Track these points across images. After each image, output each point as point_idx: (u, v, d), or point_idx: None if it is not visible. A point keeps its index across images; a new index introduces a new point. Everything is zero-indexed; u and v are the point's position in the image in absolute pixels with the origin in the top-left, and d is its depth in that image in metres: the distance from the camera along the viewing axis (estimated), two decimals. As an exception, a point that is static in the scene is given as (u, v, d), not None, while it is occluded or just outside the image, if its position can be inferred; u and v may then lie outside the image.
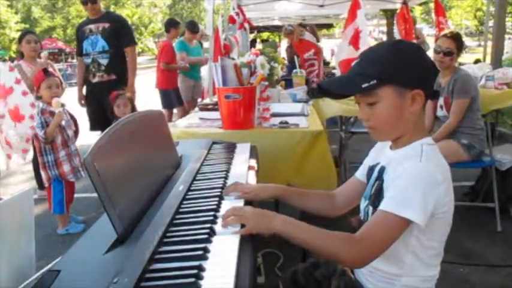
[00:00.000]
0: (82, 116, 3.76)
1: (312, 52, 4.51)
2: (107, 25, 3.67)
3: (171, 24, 5.60)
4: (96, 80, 3.70)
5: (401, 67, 1.09)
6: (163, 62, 5.27)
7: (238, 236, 1.02)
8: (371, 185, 1.21)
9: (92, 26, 3.68)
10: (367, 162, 1.32)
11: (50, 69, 3.47)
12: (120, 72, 3.73)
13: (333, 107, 3.33)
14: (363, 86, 1.09)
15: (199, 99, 5.71)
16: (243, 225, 1.06)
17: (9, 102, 2.91)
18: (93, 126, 3.77)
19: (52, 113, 2.93)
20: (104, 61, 3.67)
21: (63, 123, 2.98)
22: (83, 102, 3.95)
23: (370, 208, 1.18)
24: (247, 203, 1.28)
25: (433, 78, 1.17)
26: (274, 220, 1.07)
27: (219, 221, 1.09)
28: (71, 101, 3.76)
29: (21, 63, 3.61)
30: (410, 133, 1.13)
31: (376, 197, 1.15)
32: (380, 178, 1.16)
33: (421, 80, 1.10)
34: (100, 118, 3.45)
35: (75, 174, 3.05)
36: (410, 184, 1.02)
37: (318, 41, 5.52)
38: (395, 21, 4.94)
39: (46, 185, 3.06)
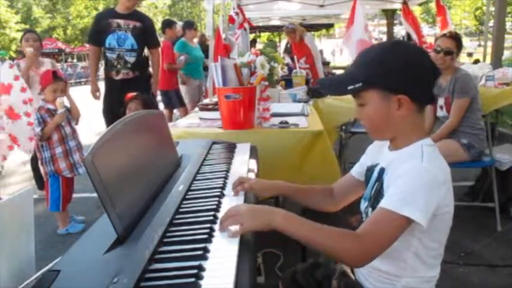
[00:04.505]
0: (84, 112, 3.74)
1: (303, 60, 4.48)
2: (138, 24, 3.65)
3: (166, 25, 5.61)
4: (119, 77, 3.66)
5: (386, 72, 1.07)
6: (166, 63, 5.25)
7: (238, 235, 1.01)
8: (371, 187, 1.21)
9: (121, 21, 3.62)
10: (365, 161, 1.31)
11: (60, 72, 3.45)
12: (142, 70, 3.76)
13: (347, 110, 3.29)
14: (348, 88, 1.10)
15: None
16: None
17: (3, 103, 2.91)
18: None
19: (49, 111, 2.92)
20: (131, 59, 3.65)
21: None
22: (97, 94, 3.89)
23: (370, 210, 1.18)
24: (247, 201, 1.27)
25: (427, 85, 1.12)
26: (273, 215, 1.03)
27: (219, 221, 1.07)
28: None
29: (21, 63, 3.61)
30: (405, 134, 1.12)
31: (376, 199, 1.15)
32: (380, 179, 1.15)
33: (406, 86, 1.07)
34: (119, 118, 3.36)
35: (72, 170, 3.03)
36: (412, 183, 1.01)
37: None
38: (402, 20, 4.93)
39: (44, 179, 3.07)
